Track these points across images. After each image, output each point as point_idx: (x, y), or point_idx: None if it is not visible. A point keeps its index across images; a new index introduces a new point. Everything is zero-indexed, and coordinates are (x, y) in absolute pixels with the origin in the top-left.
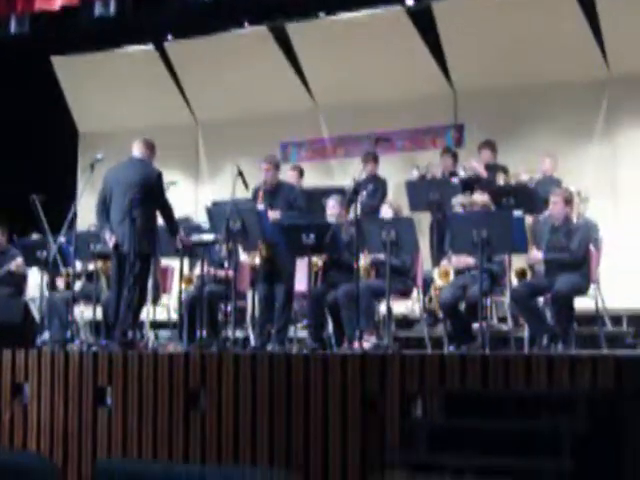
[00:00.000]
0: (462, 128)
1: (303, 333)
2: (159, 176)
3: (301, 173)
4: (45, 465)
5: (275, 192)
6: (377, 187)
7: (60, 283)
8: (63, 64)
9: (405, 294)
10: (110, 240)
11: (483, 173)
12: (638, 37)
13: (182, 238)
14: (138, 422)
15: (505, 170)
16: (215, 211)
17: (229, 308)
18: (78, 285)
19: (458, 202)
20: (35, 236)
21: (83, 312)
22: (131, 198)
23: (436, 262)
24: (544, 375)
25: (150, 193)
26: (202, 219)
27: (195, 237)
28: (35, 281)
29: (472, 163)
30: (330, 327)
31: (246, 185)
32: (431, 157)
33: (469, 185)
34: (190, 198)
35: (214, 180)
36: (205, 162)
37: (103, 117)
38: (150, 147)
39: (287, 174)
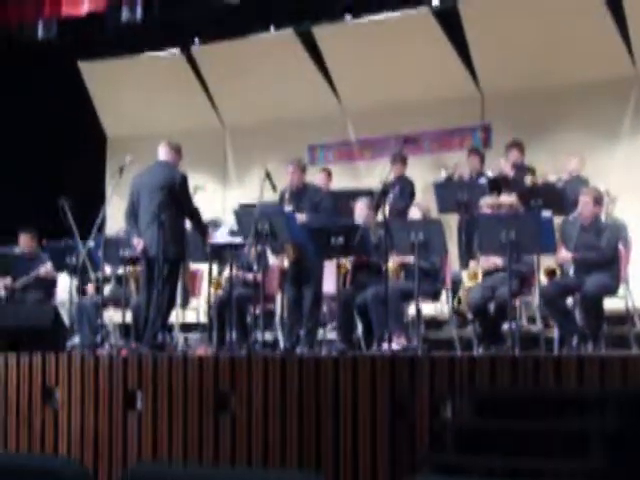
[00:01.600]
0: (489, 129)
1: (332, 335)
2: (184, 179)
3: (330, 175)
4: (77, 469)
5: (301, 195)
6: (405, 188)
7: (90, 287)
8: (90, 69)
9: (434, 296)
10: (138, 245)
11: (509, 172)
12: None
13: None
14: (168, 425)
15: (533, 171)
16: (243, 214)
17: (258, 311)
18: (107, 289)
19: (486, 203)
20: (59, 240)
21: (112, 316)
22: (158, 202)
23: (465, 263)
24: (574, 376)
25: (176, 196)
26: (231, 222)
27: (224, 239)
28: (65, 285)
29: (500, 162)
30: (359, 329)
31: (274, 187)
32: (458, 158)
33: (497, 186)
34: (218, 202)
35: (242, 183)
36: (233, 165)
37: (131, 122)
38: (176, 149)
39: (316, 177)
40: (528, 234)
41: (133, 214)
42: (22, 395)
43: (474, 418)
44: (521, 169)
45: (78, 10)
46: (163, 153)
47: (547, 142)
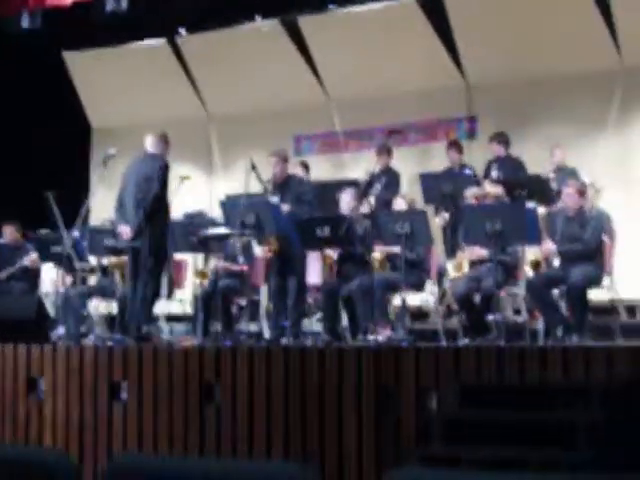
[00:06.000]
0: (475, 120)
1: (317, 326)
2: (163, 166)
3: (306, 167)
4: (62, 460)
5: (284, 186)
6: (390, 180)
7: (67, 278)
8: (75, 59)
9: (419, 287)
10: (125, 233)
11: (503, 196)
12: None
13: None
14: (153, 416)
15: (520, 163)
16: (229, 205)
17: (243, 302)
18: (93, 280)
19: (471, 194)
20: (44, 231)
21: (98, 307)
22: (143, 193)
23: (450, 254)
24: (559, 366)
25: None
26: (216, 213)
27: (209, 231)
28: (49, 276)
29: (487, 188)
30: (344, 320)
31: (260, 179)
32: (444, 149)
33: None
34: (204, 192)
35: (228, 174)
36: (218, 156)
37: (116, 112)
38: (162, 139)
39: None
40: (513, 224)
41: (121, 205)
42: (6, 386)
43: (460, 409)
44: (506, 161)
45: (63, 0)
46: (150, 144)
47: (533, 133)
